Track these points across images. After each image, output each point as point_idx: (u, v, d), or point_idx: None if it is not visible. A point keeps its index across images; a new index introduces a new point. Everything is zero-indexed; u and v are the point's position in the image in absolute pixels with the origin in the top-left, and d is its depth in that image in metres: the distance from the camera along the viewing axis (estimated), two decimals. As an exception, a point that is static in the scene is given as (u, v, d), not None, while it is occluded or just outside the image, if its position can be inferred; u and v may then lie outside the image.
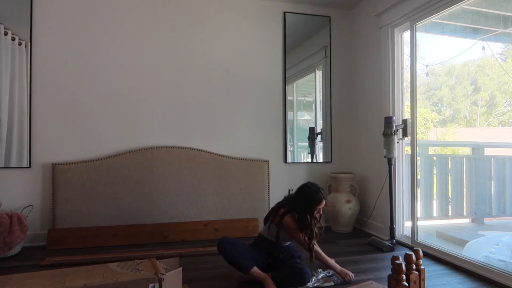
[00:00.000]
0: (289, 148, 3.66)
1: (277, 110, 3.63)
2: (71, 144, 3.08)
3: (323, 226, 2.30)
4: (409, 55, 3.01)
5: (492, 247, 2.63)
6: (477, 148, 3.83)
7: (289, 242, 2.25)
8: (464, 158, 3.80)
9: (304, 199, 2.14)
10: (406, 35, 3.11)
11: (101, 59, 3.17)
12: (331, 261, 2.23)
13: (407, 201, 3.08)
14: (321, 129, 3.80)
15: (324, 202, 2.14)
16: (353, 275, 2.20)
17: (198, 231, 3.16)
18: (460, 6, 2.56)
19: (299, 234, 2.10)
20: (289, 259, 2.17)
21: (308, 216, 2.09)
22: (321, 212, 2.19)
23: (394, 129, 2.90)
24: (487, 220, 3.76)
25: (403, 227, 3.11)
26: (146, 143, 3.24)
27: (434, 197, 3.79)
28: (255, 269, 2.04)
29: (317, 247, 2.20)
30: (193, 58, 3.39)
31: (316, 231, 2.14)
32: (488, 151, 3.84)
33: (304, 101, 3.96)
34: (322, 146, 3.80)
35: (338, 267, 2.21)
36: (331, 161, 3.78)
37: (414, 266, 1.68)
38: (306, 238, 2.10)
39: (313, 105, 3.91)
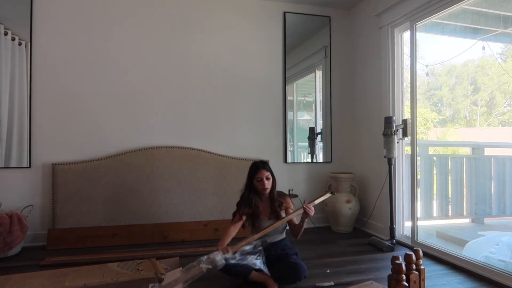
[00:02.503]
0: (289, 148, 3.66)
1: (277, 110, 3.63)
2: (71, 144, 3.07)
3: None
4: (409, 55, 3.01)
5: (492, 247, 2.63)
6: (477, 148, 3.83)
7: (280, 238, 2.24)
8: (464, 158, 3.80)
9: (248, 174, 2.25)
10: (406, 35, 3.11)
11: (101, 59, 3.17)
12: (295, 212, 2.18)
13: (407, 201, 3.08)
14: (321, 129, 3.80)
15: (262, 170, 2.19)
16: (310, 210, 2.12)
17: (198, 231, 3.16)
18: (460, 6, 2.56)
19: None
20: (284, 256, 2.17)
21: (249, 187, 2.21)
22: (265, 185, 2.18)
23: (394, 129, 2.90)
24: (487, 220, 3.76)
25: (403, 227, 3.11)
26: (146, 143, 3.24)
27: (434, 197, 3.79)
28: (254, 273, 2.05)
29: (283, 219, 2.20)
30: (193, 58, 3.39)
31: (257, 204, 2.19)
32: (488, 151, 3.84)
33: (304, 101, 3.96)
34: (322, 146, 3.80)
35: (300, 210, 2.14)
36: (331, 161, 3.78)
37: (414, 266, 1.68)
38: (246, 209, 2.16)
39: (313, 105, 3.91)
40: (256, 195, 2.24)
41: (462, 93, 6.21)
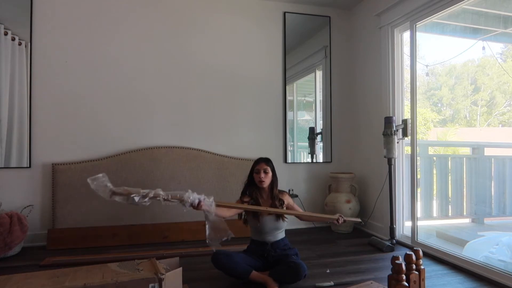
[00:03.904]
0: (289, 148, 3.66)
1: (277, 110, 3.63)
2: (71, 144, 3.07)
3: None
4: (409, 55, 3.01)
5: (492, 247, 2.63)
6: (477, 148, 3.83)
7: (280, 238, 2.25)
8: (464, 158, 3.80)
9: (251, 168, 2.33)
10: (406, 35, 3.11)
11: (101, 59, 3.16)
12: (321, 215, 2.34)
13: (407, 201, 3.08)
14: (321, 129, 3.80)
15: (261, 163, 2.27)
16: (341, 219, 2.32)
17: (198, 231, 3.16)
18: (460, 6, 2.56)
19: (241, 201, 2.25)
20: (284, 256, 2.18)
21: (250, 179, 2.29)
22: (261, 178, 2.22)
23: (394, 129, 2.90)
24: (487, 220, 3.76)
25: (403, 227, 3.11)
26: (147, 143, 3.24)
27: (434, 197, 3.79)
28: (254, 273, 2.06)
29: (304, 212, 2.36)
30: (193, 58, 3.39)
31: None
32: (488, 151, 3.84)
33: (304, 101, 3.96)
34: (322, 146, 3.80)
35: (334, 216, 2.32)
36: (331, 161, 3.78)
37: (414, 266, 1.68)
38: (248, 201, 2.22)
39: (313, 105, 3.91)
40: (257, 189, 2.26)
41: (462, 93, 6.22)
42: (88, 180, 1.71)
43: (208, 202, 1.85)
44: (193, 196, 1.81)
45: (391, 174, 2.99)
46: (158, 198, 1.76)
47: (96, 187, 1.70)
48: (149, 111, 3.28)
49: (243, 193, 2.29)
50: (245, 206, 2.15)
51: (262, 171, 2.23)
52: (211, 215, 1.85)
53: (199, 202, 1.81)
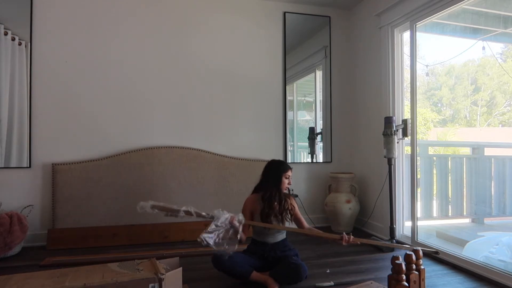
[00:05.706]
0: (289, 148, 3.66)
1: (277, 110, 3.63)
2: (71, 144, 3.07)
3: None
4: (409, 55, 3.01)
5: (492, 247, 2.63)
6: (477, 148, 3.83)
7: (281, 239, 2.25)
8: (464, 158, 3.80)
9: (275, 170, 2.27)
10: (406, 35, 3.11)
11: (101, 59, 3.16)
12: (328, 234, 2.23)
13: (407, 201, 3.08)
14: (321, 129, 3.80)
15: (289, 169, 2.31)
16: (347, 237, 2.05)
17: (198, 231, 3.11)
18: (460, 6, 2.56)
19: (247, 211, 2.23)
20: (284, 257, 2.18)
21: (276, 189, 2.22)
22: (290, 183, 2.30)
23: (394, 129, 2.90)
24: (487, 220, 3.76)
25: (403, 227, 3.11)
26: (147, 143, 3.24)
27: (434, 197, 3.78)
28: (255, 274, 2.06)
29: (306, 225, 2.30)
30: (193, 58, 3.39)
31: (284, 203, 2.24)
32: (488, 151, 3.84)
33: (304, 101, 3.96)
34: (322, 146, 3.80)
35: (337, 236, 2.10)
36: (331, 161, 3.78)
37: (414, 266, 1.68)
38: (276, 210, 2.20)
39: (313, 105, 3.91)
40: (278, 192, 2.24)
41: (462, 93, 6.22)
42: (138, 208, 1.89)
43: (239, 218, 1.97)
44: (223, 213, 1.96)
45: (391, 174, 2.99)
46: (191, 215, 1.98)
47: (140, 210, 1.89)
48: (149, 111, 3.28)
49: (257, 190, 2.30)
50: (265, 224, 2.13)
51: (290, 177, 2.31)
52: (238, 230, 1.95)
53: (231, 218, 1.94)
